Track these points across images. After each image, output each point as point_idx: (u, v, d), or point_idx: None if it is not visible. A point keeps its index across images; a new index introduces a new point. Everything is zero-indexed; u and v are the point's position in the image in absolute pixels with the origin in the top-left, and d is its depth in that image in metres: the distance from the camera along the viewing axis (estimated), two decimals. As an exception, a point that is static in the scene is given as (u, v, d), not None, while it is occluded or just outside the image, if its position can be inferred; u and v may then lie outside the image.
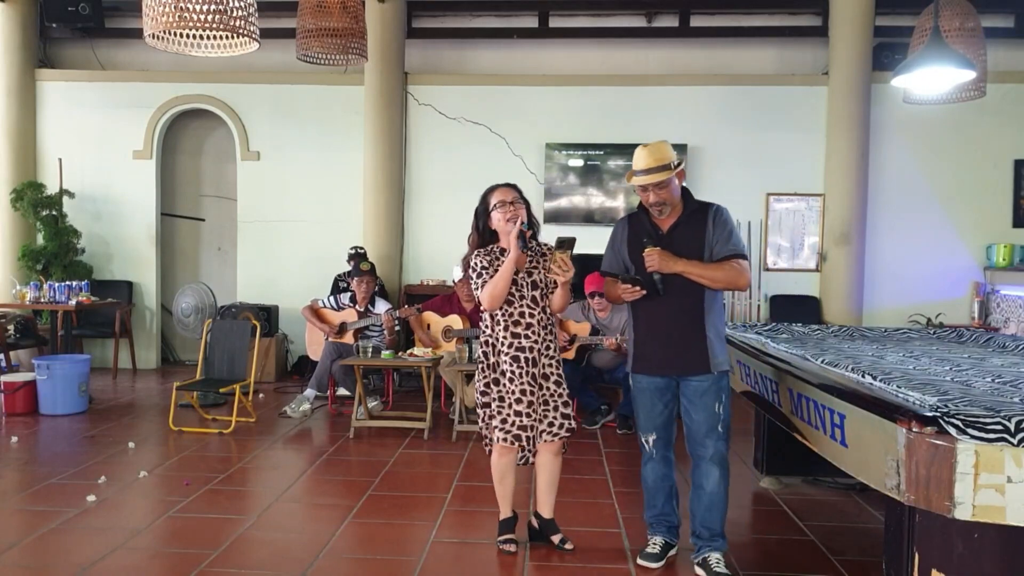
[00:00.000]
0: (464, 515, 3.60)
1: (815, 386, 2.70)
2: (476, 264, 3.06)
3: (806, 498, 3.87)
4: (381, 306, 5.85)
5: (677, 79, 7.14)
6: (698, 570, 2.97)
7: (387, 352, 5.24)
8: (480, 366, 3.10)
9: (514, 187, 3.11)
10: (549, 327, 3.07)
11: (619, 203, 7.14)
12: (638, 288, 2.84)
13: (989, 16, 6.37)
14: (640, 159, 2.88)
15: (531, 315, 3.02)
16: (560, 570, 2.98)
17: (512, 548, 3.12)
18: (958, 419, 1.98)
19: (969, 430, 1.96)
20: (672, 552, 3.05)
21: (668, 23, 7.32)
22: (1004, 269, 6.75)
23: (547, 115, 7.17)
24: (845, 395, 2.46)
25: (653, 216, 2.95)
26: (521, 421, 2.99)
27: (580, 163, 7.14)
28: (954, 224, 7.02)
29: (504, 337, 3.01)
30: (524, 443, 3.01)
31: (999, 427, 1.96)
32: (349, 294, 5.94)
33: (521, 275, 3.03)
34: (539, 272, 3.05)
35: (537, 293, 3.04)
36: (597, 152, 7.13)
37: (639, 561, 2.99)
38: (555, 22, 7.37)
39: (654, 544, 3.03)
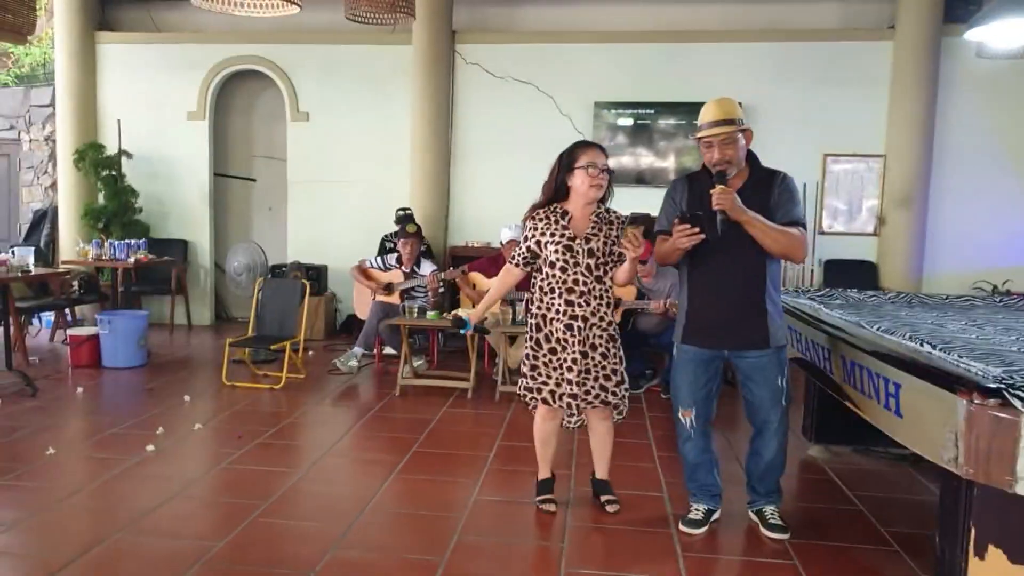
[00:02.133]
0: (506, 474, 3.63)
1: (870, 354, 2.61)
2: (526, 228, 3.03)
3: (856, 468, 3.79)
4: (427, 267, 5.88)
5: (732, 35, 6.88)
6: (753, 517, 3.03)
7: (432, 313, 5.28)
8: (531, 334, 3.03)
9: (604, 151, 2.99)
10: (604, 297, 2.98)
11: (670, 163, 6.98)
12: (697, 230, 2.67)
13: (1076, -38, 5.92)
14: (707, 113, 2.79)
15: (585, 283, 2.94)
16: (601, 532, 3.00)
17: (552, 508, 3.14)
18: (1024, 391, 1.89)
19: (1036, 403, 1.87)
20: (715, 517, 3.03)
21: (725, -25, 7.03)
22: (1079, 235, 6.39)
23: (596, 73, 7.00)
24: (902, 364, 2.37)
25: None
26: (572, 389, 2.96)
27: (630, 122, 6.98)
28: (1026, 187, 6.65)
29: (559, 305, 2.95)
30: (575, 410, 3.01)
31: (1069, 400, 1.86)
32: (396, 255, 5.99)
33: (578, 241, 2.95)
34: (597, 240, 2.95)
35: (592, 261, 2.94)
36: (648, 111, 6.94)
37: (681, 527, 2.98)
38: (606, -24, 7.15)
39: (696, 511, 3.01)
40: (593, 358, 2.98)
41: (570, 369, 2.96)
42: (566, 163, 2.96)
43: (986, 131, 6.66)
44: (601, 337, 2.99)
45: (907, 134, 6.55)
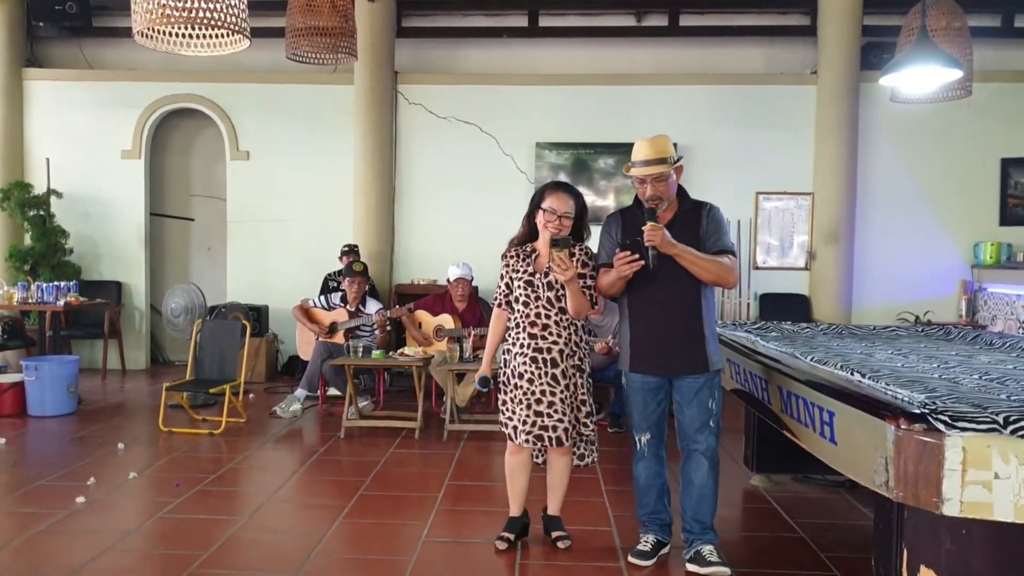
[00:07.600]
0: (455, 514, 3.60)
1: (804, 384, 2.71)
2: (502, 268, 3.13)
3: (796, 495, 3.89)
4: (372, 306, 5.84)
5: (666, 78, 7.16)
6: (690, 567, 2.95)
7: (377, 352, 5.23)
8: (502, 369, 3.13)
9: (573, 195, 3.03)
10: (571, 328, 3.05)
11: (610, 202, 7.15)
12: (637, 257, 2.77)
13: (975, 15, 6.41)
14: (640, 150, 2.88)
15: (547, 316, 3.02)
16: (552, 568, 2.99)
17: (502, 545, 3.12)
18: (946, 415, 2.00)
19: (957, 425, 1.98)
20: (664, 551, 3.06)
21: (658, 22, 7.34)
22: (991, 267, 6.81)
23: (537, 114, 7.17)
24: (834, 393, 2.47)
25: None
26: (542, 421, 2.99)
27: (570, 162, 7.15)
28: (942, 222, 7.07)
29: (524, 339, 3.03)
30: (546, 443, 3.02)
31: (986, 423, 1.97)
32: (340, 294, 5.93)
33: (538, 276, 3.04)
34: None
35: (552, 294, 3.03)
36: (587, 151, 7.14)
37: (630, 559, 3.00)
38: (545, 21, 7.37)
39: (645, 542, 3.04)
40: (568, 387, 3.02)
41: (539, 401, 2.99)
42: (535, 202, 3.08)
43: (904, 171, 7.08)
44: (570, 368, 3.04)
45: (832, 173, 6.91)
